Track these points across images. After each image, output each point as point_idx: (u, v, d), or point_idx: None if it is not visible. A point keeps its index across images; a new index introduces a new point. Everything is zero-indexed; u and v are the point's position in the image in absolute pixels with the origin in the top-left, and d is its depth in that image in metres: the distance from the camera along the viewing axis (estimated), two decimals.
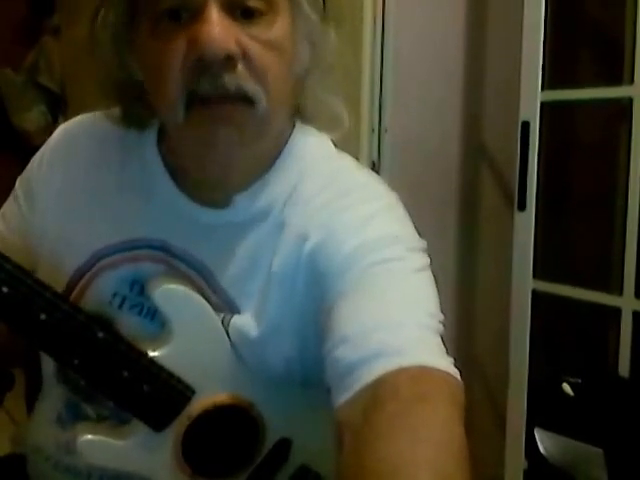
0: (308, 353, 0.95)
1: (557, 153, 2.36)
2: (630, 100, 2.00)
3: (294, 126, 1.02)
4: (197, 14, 0.83)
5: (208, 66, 0.83)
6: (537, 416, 2.07)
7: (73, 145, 1.06)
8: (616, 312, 2.06)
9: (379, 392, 0.76)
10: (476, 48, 2.50)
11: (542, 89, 2.06)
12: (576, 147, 2.44)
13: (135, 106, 0.97)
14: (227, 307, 0.96)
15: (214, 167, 0.94)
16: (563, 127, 2.38)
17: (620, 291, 2.04)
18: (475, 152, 2.57)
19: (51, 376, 1.03)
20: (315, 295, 0.90)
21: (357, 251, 0.89)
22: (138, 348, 0.92)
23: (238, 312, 0.96)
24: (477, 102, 2.54)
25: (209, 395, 0.95)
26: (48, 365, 1.04)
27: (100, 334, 0.89)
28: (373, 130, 2.25)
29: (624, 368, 2.03)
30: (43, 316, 0.86)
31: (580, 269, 2.39)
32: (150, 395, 0.91)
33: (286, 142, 1.00)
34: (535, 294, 2.14)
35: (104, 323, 0.92)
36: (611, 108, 2.22)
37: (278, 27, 0.88)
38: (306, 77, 0.96)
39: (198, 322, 0.94)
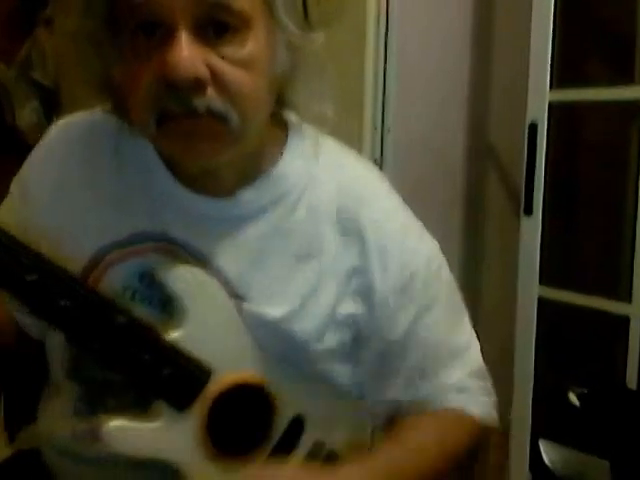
0: (329, 327, 1.03)
1: (565, 155, 2.36)
2: None
3: (287, 125, 1.06)
4: (169, 32, 0.86)
5: (177, 89, 0.86)
6: (542, 426, 2.07)
7: (67, 144, 1.07)
8: (624, 320, 2.04)
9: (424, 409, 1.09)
10: (482, 45, 2.50)
11: (550, 89, 2.06)
12: (585, 149, 2.44)
13: (119, 103, 0.98)
14: (230, 293, 1.00)
15: (197, 168, 0.99)
16: (572, 128, 2.39)
17: (629, 298, 2.03)
18: (481, 154, 2.57)
19: (63, 375, 1.05)
20: (352, 280, 1.03)
21: (420, 282, 1.06)
22: (156, 331, 0.95)
23: (242, 297, 1.00)
24: (483, 102, 2.53)
25: (225, 375, 0.99)
26: (58, 364, 1.06)
27: (120, 318, 0.92)
28: (376, 129, 2.22)
29: (632, 378, 2.02)
30: (64, 302, 0.89)
31: (587, 275, 2.40)
32: (171, 376, 0.95)
33: (284, 131, 1.05)
34: (541, 301, 2.14)
35: (123, 308, 0.95)
36: (621, 109, 2.22)
37: (252, 43, 0.90)
38: (288, 83, 0.98)
39: (211, 304, 0.99)
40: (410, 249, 1.06)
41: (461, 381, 1.09)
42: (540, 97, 2.05)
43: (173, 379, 0.95)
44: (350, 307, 1.04)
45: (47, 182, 1.06)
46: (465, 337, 1.14)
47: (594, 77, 2.31)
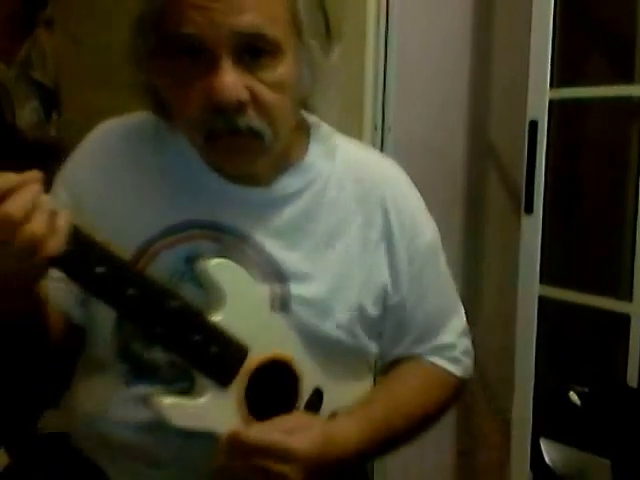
0: (366, 301, 1.21)
1: (566, 153, 2.36)
2: None
3: (308, 124, 1.23)
4: (212, 62, 1.01)
5: (223, 111, 1.02)
6: (543, 425, 2.06)
7: (111, 146, 1.20)
8: (625, 319, 2.04)
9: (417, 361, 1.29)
10: (482, 44, 2.49)
11: (551, 87, 2.06)
12: (585, 147, 2.45)
13: (165, 106, 1.12)
14: (273, 272, 1.15)
15: (236, 172, 1.15)
16: (572, 126, 2.38)
17: (630, 297, 2.02)
18: (481, 152, 2.56)
19: (112, 355, 1.15)
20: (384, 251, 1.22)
21: (430, 253, 1.28)
22: (203, 314, 1.08)
23: (285, 276, 1.15)
24: (483, 100, 2.53)
25: (258, 353, 1.12)
26: (107, 346, 1.15)
27: (174, 303, 1.04)
28: (376, 128, 2.22)
29: (633, 377, 2.01)
30: (131, 291, 1.00)
31: (588, 274, 2.39)
32: (217, 354, 1.08)
33: (307, 132, 1.22)
34: (542, 299, 2.14)
35: (176, 294, 1.06)
36: (622, 107, 2.22)
37: (283, 66, 1.05)
38: (309, 94, 1.14)
39: (244, 291, 1.12)
40: (423, 222, 1.28)
41: (452, 343, 1.31)
42: (540, 95, 2.05)
43: (219, 357, 1.08)
44: (381, 276, 1.21)
45: (97, 181, 1.18)
46: (456, 300, 1.35)
47: (594, 75, 2.30)
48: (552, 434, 1.98)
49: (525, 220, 2.12)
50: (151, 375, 1.14)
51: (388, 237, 1.22)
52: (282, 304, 1.15)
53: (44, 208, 0.91)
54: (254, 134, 1.06)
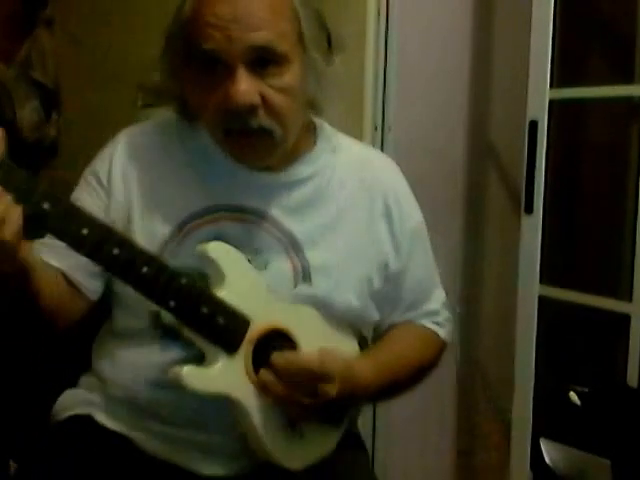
0: (372, 275, 1.40)
1: (566, 154, 2.36)
2: None
3: (315, 126, 1.42)
4: (229, 71, 1.20)
5: (238, 113, 1.20)
6: (543, 426, 2.07)
7: (140, 143, 1.39)
8: (625, 319, 2.04)
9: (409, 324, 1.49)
10: (483, 44, 2.49)
11: (551, 87, 2.06)
12: (586, 147, 2.45)
13: (188, 108, 1.33)
14: (290, 243, 1.33)
15: (252, 165, 1.33)
16: (572, 126, 2.38)
17: (629, 297, 2.03)
18: (481, 152, 2.55)
19: (147, 324, 1.31)
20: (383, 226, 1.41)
21: (420, 230, 1.48)
22: (210, 290, 1.24)
23: (300, 245, 1.33)
24: (483, 100, 2.52)
25: (258, 323, 1.26)
26: (141, 318, 1.32)
27: (184, 280, 1.20)
28: (376, 128, 2.22)
29: (633, 377, 2.01)
30: (145, 269, 1.16)
31: (588, 274, 2.40)
32: (224, 325, 1.23)
33: (314, 131, 1.42)
34: (542, 300, 2.14)
35: (184, 273, 1.22)
36: (622, 107, 2.22)
37: (290, 74, 1.23)
38: (314, 99, 1.32)
39: (241, 269, 1.28)
40: (413, 207, 1.47)
41: (437, 309, 1.51)
42: (540, 95, 2.05)
43: (225, 327, 1.23)
44: (384, 250, 1.40)
45: (128, 173, 1.35)
46: (437, 274, 1.54)
47: (594, 75, 2.31)
48: (552, 434, 2.00)
49: (525, 220, 2.11)
50: (180, 339, 1.29)
51: (388, 216, 1.41)
52: (304, 275, 1.33)
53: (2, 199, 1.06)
54: (265, 132, 1.23)
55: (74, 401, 1.41)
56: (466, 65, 2.48)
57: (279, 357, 1.23)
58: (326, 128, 1.44)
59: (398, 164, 1.53)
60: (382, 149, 2.21)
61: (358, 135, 2.15)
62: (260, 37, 1.19)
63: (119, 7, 2.76)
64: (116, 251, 1.14)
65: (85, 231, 1.11)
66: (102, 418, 1.36)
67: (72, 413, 1.39)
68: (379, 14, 2.18)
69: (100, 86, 2.76)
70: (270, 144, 1.26)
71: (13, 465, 1.52)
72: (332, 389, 1.23)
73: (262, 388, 1.24)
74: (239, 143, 1.26)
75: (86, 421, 1.37)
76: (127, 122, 1.42)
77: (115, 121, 1.48)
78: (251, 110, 1.21)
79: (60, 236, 1.12)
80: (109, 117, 2.60)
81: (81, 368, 1.45)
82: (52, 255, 1.28)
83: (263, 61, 1.21)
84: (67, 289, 1.32)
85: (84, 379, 1.44)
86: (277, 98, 1.22)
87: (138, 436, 1.33)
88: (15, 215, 1.06)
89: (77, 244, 1.12)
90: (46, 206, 1.09)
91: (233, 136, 1.25)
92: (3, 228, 1.05)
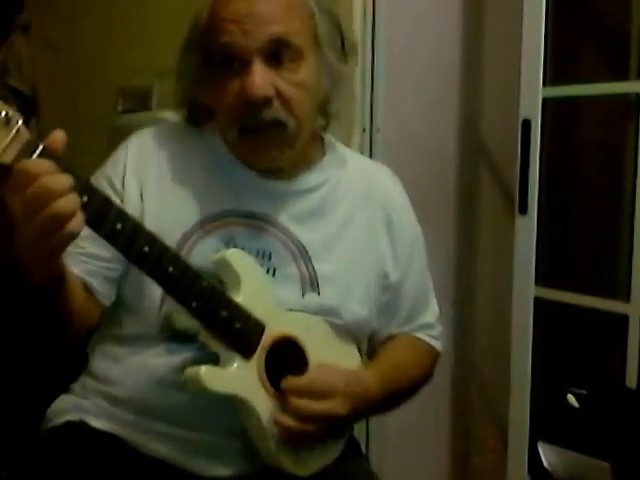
0: (375, 283, 1.44)
1: (560, 153, 2.37)
2: (637, 96, 2.03)
3: (323, 138, 1.48)
4: (245, 66, 1.25)
5: (253, 105, 1.25)
6: (540, 429, 2.07)
7: (152, 147, 1.41)
8: (623, 319, 2.04)
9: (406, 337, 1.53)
10: (473, 41, 2.49)
11: (544, 85, 2.06)
12: (580, 146, 2.45)
13: (200, 114, 1.40)
14: (299, 252, 1.37)
15: (265, 166, 1.36)
16: (566, 125, 2.40)
17: (627, 297, 2.03)
18: (473, 152, 2.55)
19: (157, 329, 1.33)
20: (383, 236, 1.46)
21: (418, 242, 1.53)
22: (229, 294, 1.27)
23: (309, 255, 1.37)
24: (475, 99, 2.52)
25: (272, 329, 1.30)
26: (152, 321, 1.33)
27: (205, 283, 1.22)
28: (364, 130, 2.21)
29: (631, 378, 2.02)
30: (170, 269, 1.18)
31: (585, 275, 2.41)
32: (240, 329, 1.26)
33: (322, 143, 1.48)
34: (537, 301, 2.14)
35: (205, 276, 1.24)
36: (617, 105, 2.23)
37: (304, 70, 1.29)
38: (328, 99, 1.38)
39: (256, 277, 1.32)
40: (412, 218, 1.53)
41: (432, 323, 1.56)
42: (533, 93, 2.04)
43: (242, 331, 1.26)
44: (384, 260, 1.45)
45: (142, 177, 1.37)
46: (431, 287, 1.58)
47: (588, 72, 2.32)
48: (550, 437, 2.00)
49: (519, 221, 2.11)
50: (187, 341, 1.32)
51: (388, 226, 1.46)
52: (312, 284, 1.37)
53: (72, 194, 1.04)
54: (279, 125, 1.28)
55: (67, 407, 1.40)
56: (457, 63, 2.48)
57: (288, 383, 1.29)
58: (333, 141, 1.50)
59: (388, 165, 1.56)
60: (371, 150, 2.21)
61: (347, 137, 2.14)
62: (275, 30, 1.25)
63: (96, 11, 2.74)
64: (147, 248, 1.16)
65: (119, 226, 1.13)
66: (96, 422, 1.36)
67: (65, 419, 1.39)
68: (365, 13, 2.17)
69: (78, 91, 2.75)
70: (283, 138, 1.30)
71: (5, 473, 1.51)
72: (337, 405, 1.30)
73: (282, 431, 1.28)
74: (252, 141, 1.30)
75: (79, 426, 1.37)
76: (106, 127, 1.41)
77: (95, 126, 1.46)
78: (266, 102, 1.25)
79: (96, 229, 1.11)
80: (88, 123, 2.60)
81: (74, 373, 1.45)
82: (70, 261, 1.26)
83: (278, 56, 1.26)
84: (85, 296, 1.32)
85: (76, 385, 1.44)
86: (291, 92, 1.27)
87: (140, 438, 1.33)
88: (71, 209, 1.04)
89: (111, 238, 1.13)
90: (85, 199, 1.07)
91: (247, 134, 1.29)
92: (72, 222, 1.03)
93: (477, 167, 2.56)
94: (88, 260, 1.31)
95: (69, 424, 1.38)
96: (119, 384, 1.36)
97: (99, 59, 2.77)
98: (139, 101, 2.55)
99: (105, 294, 1.35)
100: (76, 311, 1.27)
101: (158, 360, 1.33)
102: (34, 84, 3.00)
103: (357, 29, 2.16)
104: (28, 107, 2.98)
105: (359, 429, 2.24)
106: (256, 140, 1.30)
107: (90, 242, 1.24)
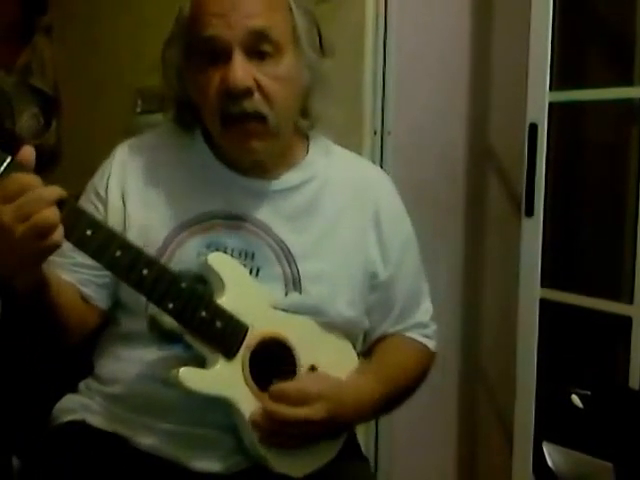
0: (364, 282, 1.44)
1: (566, 156, 2.36)
2: None
3: (307, 134, 1.48)
4: (227, 58, 1.27)
5: (234, 96, 1.27)
6: (545, 429, 2.04)
7: (138, 155, 1.43)
8: (626, 321, 2.04)
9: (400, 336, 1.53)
10: (482, 47, 2.49)
11: (550, 89, 2.05)
12: (586, 150, 2.44)
13: (186, 113, 1.41)
14: (284, 253, 1.38)
15: (249, 161, 1.38)
16: (572, 129, 2.39)
17: (630, 299, 2.02)
18: (481, 155, 2.55)
19: (147, 327, 1.35)
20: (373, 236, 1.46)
21: (409, 240, 1.53)
22: (209, 294, 1.29)
23: (294, 256, 1.37)
24: (483, 103, 2.52)
25: (256, 330, 1.30)
26: (142, 320, 1.35)
27: (183, 284, 1.24)
28: (375, 133, 2.21)
29: (634, 379, 2.02)
30: (145, 271, 1.20)
31: (589, 277, 2.39)
32: (222, 330, 1.26)
33: (308, 142, 1.48)
34: (543, 303, 2.14)
35: (184, 277, 1.27)
36: (622, 109, 2.21)
37: (283, 65, 1.31)
38: (309, 94, 1.39)
39: (241, 279, 1.33)
40: (403, 216, 1.53)
41: (426, 322, 1.55)
42: (540, 98, 2.05)
43: (223, 331, 1.26)
44: (373, 258, 1.44)
45: (126, 185, 1.40)
46: (426, 286, 1.58)
47: (594, 77, 2.31)
48: (554, 438, 1.97)
49: (525, 223, 2.11)
50: (175, 341, 1.33)
51: (378, 225, 1.46)
52: (294, 284, 1.37)
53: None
54: (260, 118, 1.29)
55: (72, 406, 1.43)
56: (465, 68, 2.48)
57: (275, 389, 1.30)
58: (319, 137, 1.49)
59: (398, 168, 1.54)
60: (382, 154, 2.22)
61: (358, 140, 2.16)
62: (256, 22, 1.28)
63: (116, 13, 2.76)
64: (119, 253, 1.18)
65: (89, 232, 1.15)
66: (97, 421, 1.39)
67: (69, 419, 1.41)
68: (377, 18, 2.18)
69: (98, 92, 2.76)
70: (265, 130, 1.31)
71: (16, 462, 1.54)
72: (313, 412, 1.30)
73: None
74: (236, 131, 1.31)
75: (82, 425, 1.39)
76: (126, 128, 1.43)
77: (115, 127, 1.48)
78: (246, 92, 1.27)
79: (66, 235, 1.12)
80: (107, 123, 2.60)
81: (83, 373, 1.47)
82: (61, 271, 1.34)
83: (259, 50, 1.29)
84: (80, 300, 1.37)
85: (83, 384, 1.46)
86: (272, 86, 1.30)
87: (135, 433, 1.35)
88: (58, 219, 1.09)
89: (82, 244, 1.16)
90: None
91: (230, 123, 1.30)
92: (54, 234, 1.08)
93: (485, 170, 2.56)
94: (78, 269, 1.35)
95: (72, 423, 1.40)
96: (117, 382, 1.38)
97: (119, 60, 2.79)
98: (158, 102, 2.55)
99: (100, 299, 1.39)
100: (70, 313, 1.32)
101: (151, 356, 1.35)
102: (56, 84, 3.04)
103: (369, 34, 2.17)
104: (50, 107, 3.01)
105: (367, 431, 2.26)
106: (239, 130, 1.31)
107: (78, 252, 1.24)
